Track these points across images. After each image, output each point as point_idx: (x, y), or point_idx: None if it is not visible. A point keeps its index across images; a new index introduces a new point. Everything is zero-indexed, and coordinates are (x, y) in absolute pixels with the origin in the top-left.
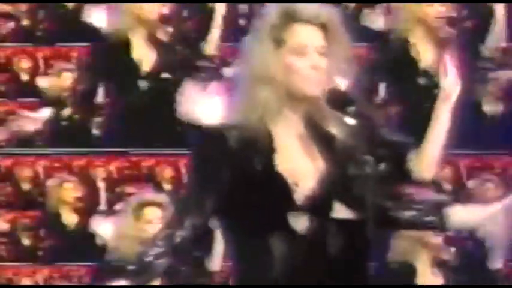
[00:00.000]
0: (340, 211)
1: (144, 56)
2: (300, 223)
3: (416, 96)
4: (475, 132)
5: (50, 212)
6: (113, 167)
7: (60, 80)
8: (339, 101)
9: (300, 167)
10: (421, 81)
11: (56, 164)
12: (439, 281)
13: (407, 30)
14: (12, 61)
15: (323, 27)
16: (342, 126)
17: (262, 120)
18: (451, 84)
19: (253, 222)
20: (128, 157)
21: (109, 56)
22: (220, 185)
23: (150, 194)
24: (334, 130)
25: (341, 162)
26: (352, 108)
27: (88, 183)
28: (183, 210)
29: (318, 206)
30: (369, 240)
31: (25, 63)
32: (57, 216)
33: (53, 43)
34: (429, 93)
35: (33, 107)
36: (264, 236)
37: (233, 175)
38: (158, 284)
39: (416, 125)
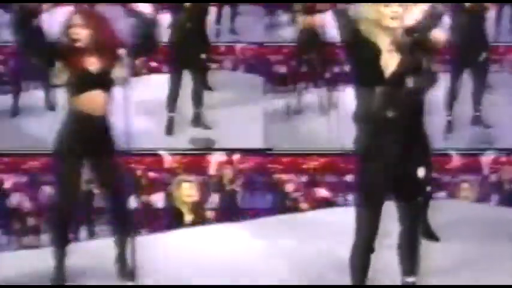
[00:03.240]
0: (410, 82)
1: None
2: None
3: None
4: None
5: None
6: None
7: None
8: (409, 30)
9: (389, 60)
10: None
11: None
12: None
13: None
14: None
15: None
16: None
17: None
18: None
19: (364, 81)
20: None
21: None
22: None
23: (186, 176)
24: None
25: (411, 57)
26: (415, 35)
27: None
28: None
29: (397, 79)
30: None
31: None
32: None
33: None
34: None
35: None
36: (370, 87)
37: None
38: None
39: None
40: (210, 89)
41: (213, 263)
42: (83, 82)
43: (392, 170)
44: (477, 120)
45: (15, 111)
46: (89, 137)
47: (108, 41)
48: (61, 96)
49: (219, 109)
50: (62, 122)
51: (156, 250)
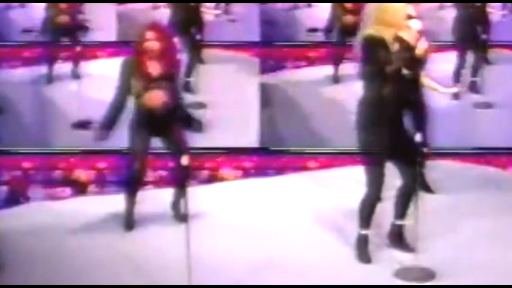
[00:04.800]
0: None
1: None
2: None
3: None
4: None
5: None
6: None
7: None
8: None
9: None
10: None
11: None
12: None
13: None
14: None
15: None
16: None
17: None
18: None
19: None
20: None
21: None
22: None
23: None
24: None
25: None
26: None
27: None
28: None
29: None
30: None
31: None
32: None
33: None
34: None
35: None
36: (381, 83)
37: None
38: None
39: None
40: (202, 61)
41: (247, 212)
42: (148, 84)
43: (394, 136)
44: (474, 87)
45: (49, 79)
46: (154, 124)
47: (170, 52)
48: (85, 68)
49: (214, 81)
50: (132, 115)
51: (204, 200)
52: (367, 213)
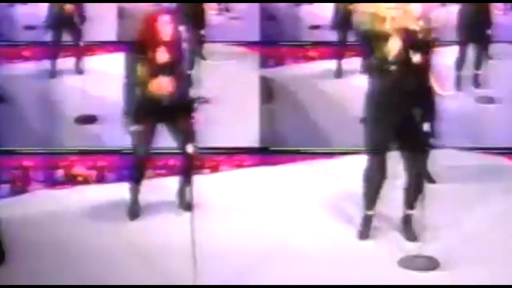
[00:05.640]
0: (415, 58)
1: None
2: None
3: None
4: None
5: None
6: None
7: None
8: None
9: (393, 44)
10: None
11: None
12: None
13: None
14: None
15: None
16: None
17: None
18: None
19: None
20: None
21: None
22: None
23: None
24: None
25: (411, 41)
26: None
27: None
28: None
29: (403, 56)
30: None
31: None
32: None
33: None
34: None
35: None
36: (386, 68)
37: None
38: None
39: None
40: (203, 58)
41: (255, 200)
42: (155, 70)
43: (402, 126)
44: (476, 80)
45: (52, 74)
46: (159, 112)
47: (177, 39)
48: (87, 63)
49: (215, 75)
50: (136, 101)
51: (209, 188)
52: (370, 195)
